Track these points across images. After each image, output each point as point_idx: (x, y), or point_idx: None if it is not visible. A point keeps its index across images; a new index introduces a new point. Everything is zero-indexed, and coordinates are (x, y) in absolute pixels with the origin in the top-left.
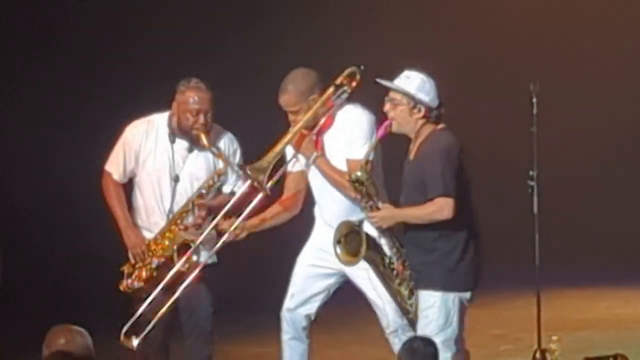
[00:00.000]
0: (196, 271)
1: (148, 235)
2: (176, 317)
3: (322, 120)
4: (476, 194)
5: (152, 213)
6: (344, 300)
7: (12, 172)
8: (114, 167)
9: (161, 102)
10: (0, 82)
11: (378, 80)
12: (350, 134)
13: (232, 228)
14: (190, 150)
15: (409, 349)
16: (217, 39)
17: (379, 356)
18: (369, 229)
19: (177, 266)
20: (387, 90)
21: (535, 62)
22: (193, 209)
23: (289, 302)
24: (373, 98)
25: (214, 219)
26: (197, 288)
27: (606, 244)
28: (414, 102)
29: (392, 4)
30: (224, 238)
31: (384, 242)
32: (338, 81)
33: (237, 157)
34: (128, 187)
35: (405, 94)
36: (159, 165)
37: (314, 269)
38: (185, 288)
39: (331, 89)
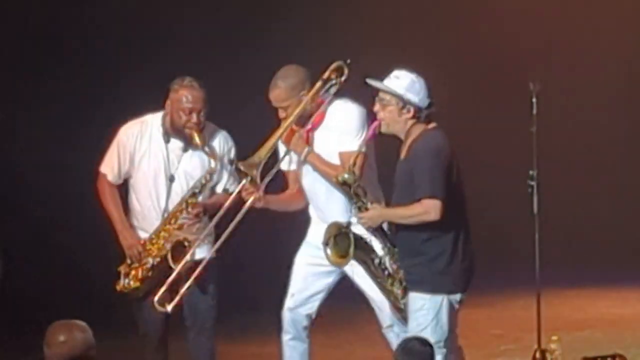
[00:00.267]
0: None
1: (144, 235)
2: (176, 312)
3: (313, 117)
4: (476, 194)
5: (148, 213)
6: (344, 300)
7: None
8: (109, 168)
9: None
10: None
11: (367, 80)
12: (342, 128)
13: (252, 197)
14: (184, 149)
15: (405, 349)
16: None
17: (379, 356)
18: (360, 229)
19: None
20: (378, 90)
21: (535, 62)
22: (187, 208)
23: (289, 302)
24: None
25: (211, 217)
26: (198, 282)
27: (605, 244)
28: (403, 102)
29: (392, 3)
30: (246, 206)
31: (375, 242)
32: (325, 75)
33: (232, 156)
34: (123, 188)
35: (394, 94)
36: (154, 166)
37: (313, 268)
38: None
39: (319, 84)
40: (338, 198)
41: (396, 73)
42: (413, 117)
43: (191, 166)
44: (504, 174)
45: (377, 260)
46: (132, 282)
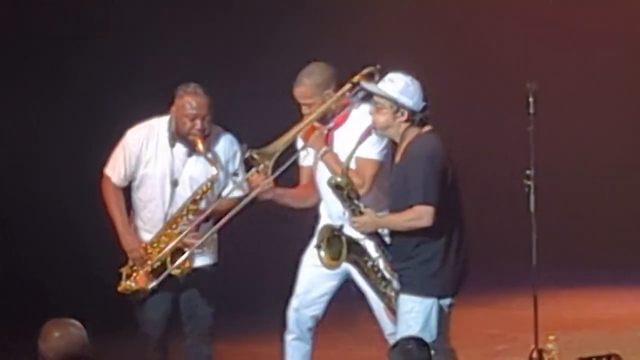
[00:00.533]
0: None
1: (149, 236)
2: (176, 317)
3: (336, 116)
4: (473, 194)
5: (151, 217)
6: (344, 300)
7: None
8: (114, 171)
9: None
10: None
11: (362, 83)
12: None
13: (261, 186)
14: (189, 154)
15: (402, 350)
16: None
17: (379, 356)
18: (353, 231)
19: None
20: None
21: (532, 61)
22: (187, 214)
23: (294, 302)
24: None
25: (215, 223)
26: (197, 288)
27: (603, 244)
28: (397, 106)
29: (391, 3)
30: (254, 193)
31: (368, 244)
32: (356, 79)
33: (237, 160)
34: (126, 191)
35: (387, 98)
36: (160, 170)
37: (319, 269)
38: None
39: (348, 86)
40: None
41: (390, 76)
42: (407, 120)
43: (196, 171)
44: (501, 173)
45: (370, 263)
46: (133, 284)
